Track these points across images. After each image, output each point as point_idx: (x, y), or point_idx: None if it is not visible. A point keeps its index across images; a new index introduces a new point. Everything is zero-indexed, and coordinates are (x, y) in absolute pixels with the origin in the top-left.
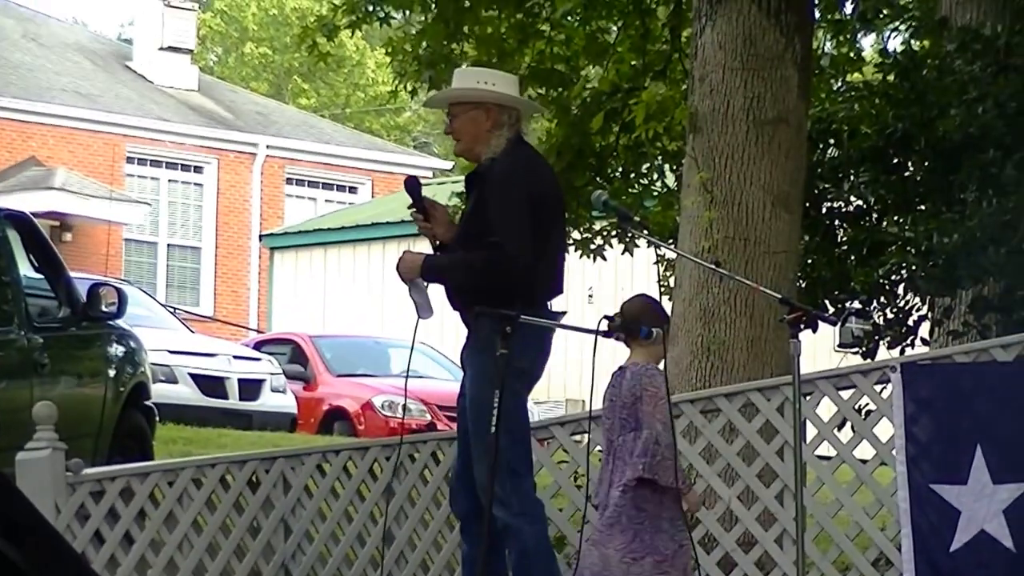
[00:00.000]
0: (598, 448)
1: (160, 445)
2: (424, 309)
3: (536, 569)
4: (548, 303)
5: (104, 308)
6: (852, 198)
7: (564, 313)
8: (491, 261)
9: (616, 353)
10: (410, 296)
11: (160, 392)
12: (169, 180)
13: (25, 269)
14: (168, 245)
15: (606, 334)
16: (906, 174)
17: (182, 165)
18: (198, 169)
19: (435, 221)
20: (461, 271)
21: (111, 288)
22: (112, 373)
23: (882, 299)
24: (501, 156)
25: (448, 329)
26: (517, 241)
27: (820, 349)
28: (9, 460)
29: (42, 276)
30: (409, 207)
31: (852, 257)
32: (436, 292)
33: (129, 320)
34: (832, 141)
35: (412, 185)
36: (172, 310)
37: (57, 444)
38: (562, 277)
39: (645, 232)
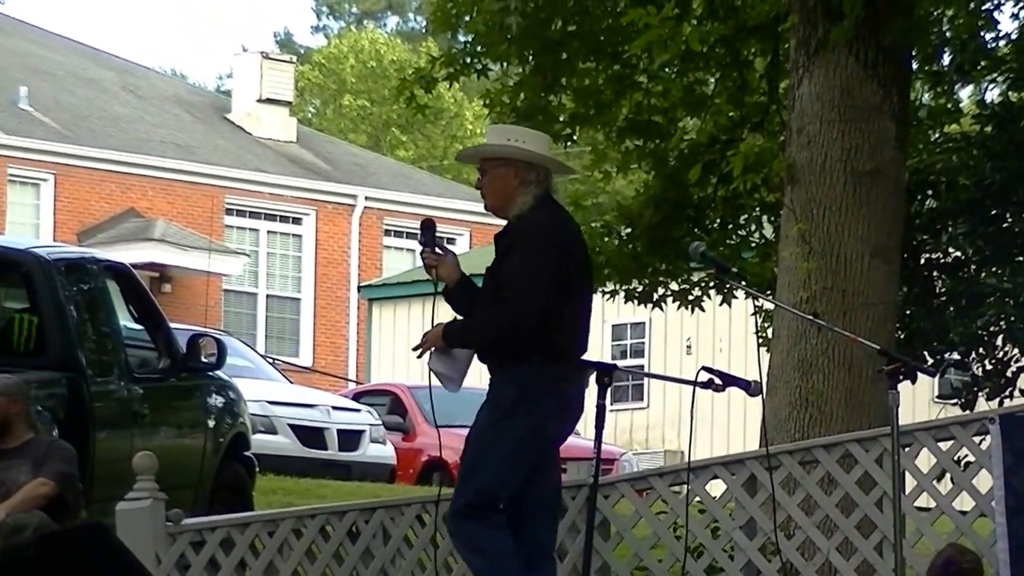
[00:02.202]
0: (697, 499)
1: (260, 496)
2: (448, 381)
3: None
4: (572, 361)
5: (204, 359)
6: (950, 249)
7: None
8: (500, 320)
9: (714, 404)
10: (430, 368)
11: (260, 443)
12: (268, 231)
13: (125, 320)
14: (267, 296)
15: (704, 385)
16: (1004, 225)
17: (281, 216)
18: (296, 220)
19: (442, 262)
20: (476, 332)
21: (210, 339)
22: (211, 424)
23: (980, 351)
24: (527, 214)
25: None
26: (528, 299)
27: (919, 401)
28: (110, 511)
29: (142, 327)
30: (421, 242)
31: (950, 308)
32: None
33: (228, 371)
34: (930, 192)
35: (428, 226)
36: (271, 361)
37: (157, 494)
38: (587, 336)
39: (743, 283)
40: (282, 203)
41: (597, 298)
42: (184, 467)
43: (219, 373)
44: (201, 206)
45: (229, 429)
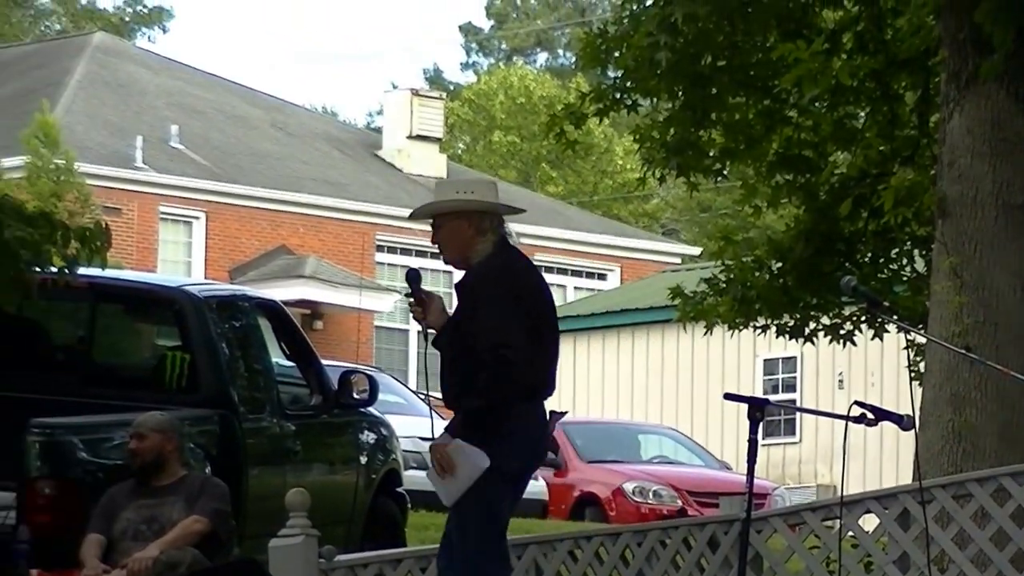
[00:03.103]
0: (850, 533)
1: (412, 532)
2: (446, 496)
3: None
4: (541, 398)
5: (355, 395)
6: None
7: (565, 413)
8: (495, 374)
9: (867, 438)
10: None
11: (412, 479)
12: (418, 268)
13: (276, 357)
14: (418, 332)
15: (856, 420)
16: None
17: (431, 253)
18: None
19: (429, 311)
20: (482, 401)
21: (362, 375)
22: (364, 460)
23: None
24: (487, 260)
25: (698, 415)
26: (511, 343)
27: None
28: (262, 547)
29: (293, 364)
30: (406, 295)
31: None
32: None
33: (380, 407)
34: None
35: (413, 277)
36: (423, 397)
37: (310, 531)
38: (555, 376)
39: (895, 317)
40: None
41: (748, 332)
42: (337, 503)
43: (371, 409)
44: (352, 243)
45: (381, 465)
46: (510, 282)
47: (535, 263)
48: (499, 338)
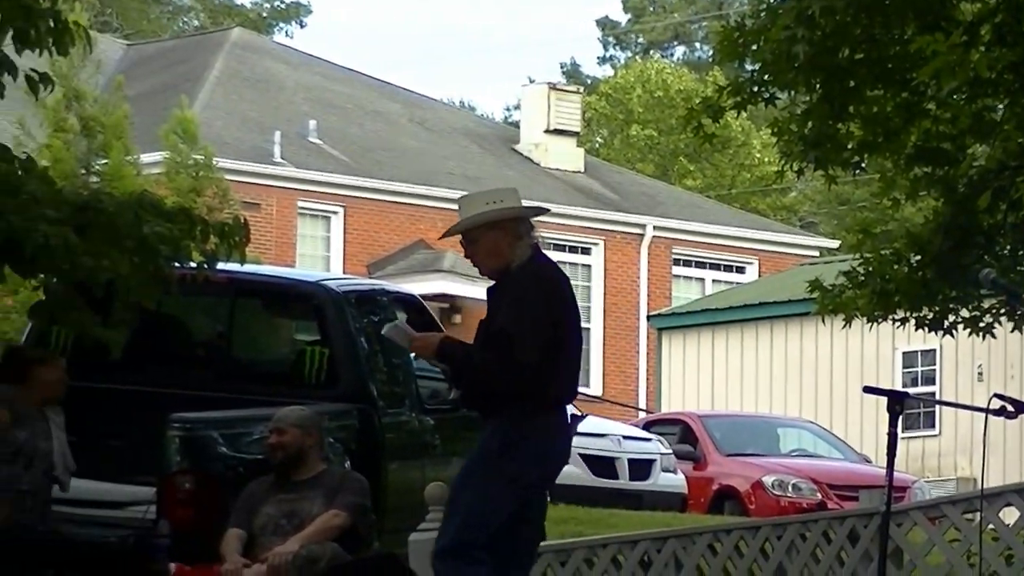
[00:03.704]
0: (990, 527)
1: (552, 525)
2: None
3: None
4: (564, 406)
5: None
6: None
7: (585, 416)
8: (501, 367)
9: (1007, 431)
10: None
11: None
12: (558, 262)
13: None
14: None
15: (996, 412)
16: None
17: (569, 246)
18: (585, 250)
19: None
20: (472, 370)
21: None
22: None
23: None
24: (525, 266)
25: (837, 408)
26: (525, 352)
27: None
28: (402, 541)
29: None
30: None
31: None
32: None
33: None
34: None
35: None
36: None
37: None
38: (578, 380)
39: None
40: (571, 233)
41: (887, 325)
42: None
43: None
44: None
45: None
46: (545, 290)
47: (674, 257)
48: (517, 331)
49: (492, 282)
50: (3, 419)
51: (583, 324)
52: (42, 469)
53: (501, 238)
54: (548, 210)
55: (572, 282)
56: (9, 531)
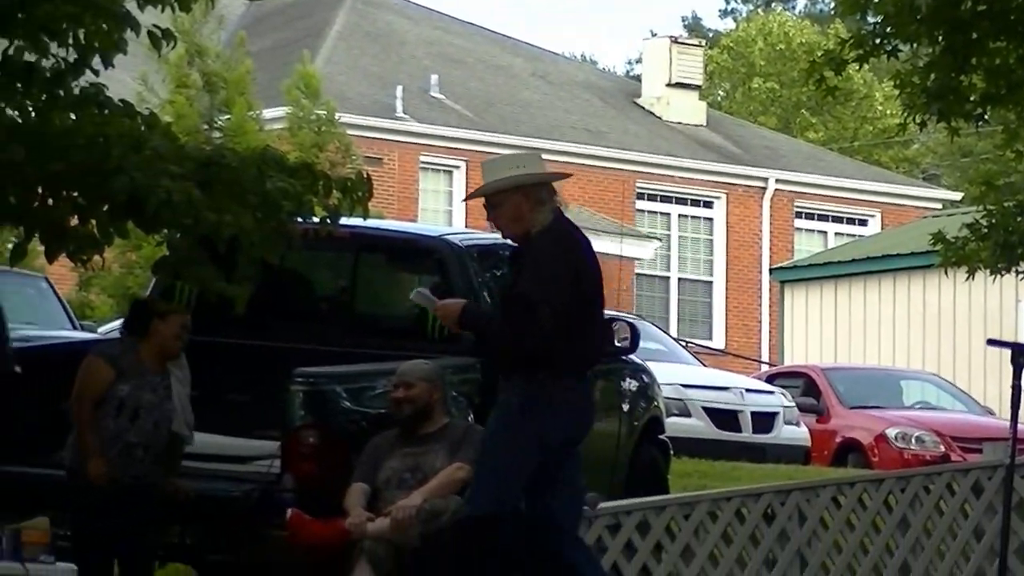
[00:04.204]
0: None
1: (675, 479)
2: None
3: None
4: (587, 369)
5: (617, 343)
6: None
7: None
8: (517, 329)
9: None
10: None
11: (674, 426)
12: (679, 215)
13: None
14: (679, 279)
15: None
16: None
17: (692, 200)
18: (707, 204)
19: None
20: (491, 332)
21: (624, 323)
22: (626, 408)
23: None
24: (547, 231)
25: (960, 360)
26: (549, 318)
27: None
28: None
29: None
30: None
31: None
32: None
33: (642, 354)
34: None
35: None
36: (684, 344)
37: None
38: (602, 342)
39: None
40: (693, 187)
41: (1010, 277)
42: (599, 451)
43: (633, 357)
44: (612, 191)
45: (644, 413)
46: (566, 255)
47: (796, 210)
48: (536, 295)
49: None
50: (104, 375)
51: (706, 277)
52: (152, 421)
53: (523, 203)
54: (570, 175)
55: (694, 235)
56: (134, 485)
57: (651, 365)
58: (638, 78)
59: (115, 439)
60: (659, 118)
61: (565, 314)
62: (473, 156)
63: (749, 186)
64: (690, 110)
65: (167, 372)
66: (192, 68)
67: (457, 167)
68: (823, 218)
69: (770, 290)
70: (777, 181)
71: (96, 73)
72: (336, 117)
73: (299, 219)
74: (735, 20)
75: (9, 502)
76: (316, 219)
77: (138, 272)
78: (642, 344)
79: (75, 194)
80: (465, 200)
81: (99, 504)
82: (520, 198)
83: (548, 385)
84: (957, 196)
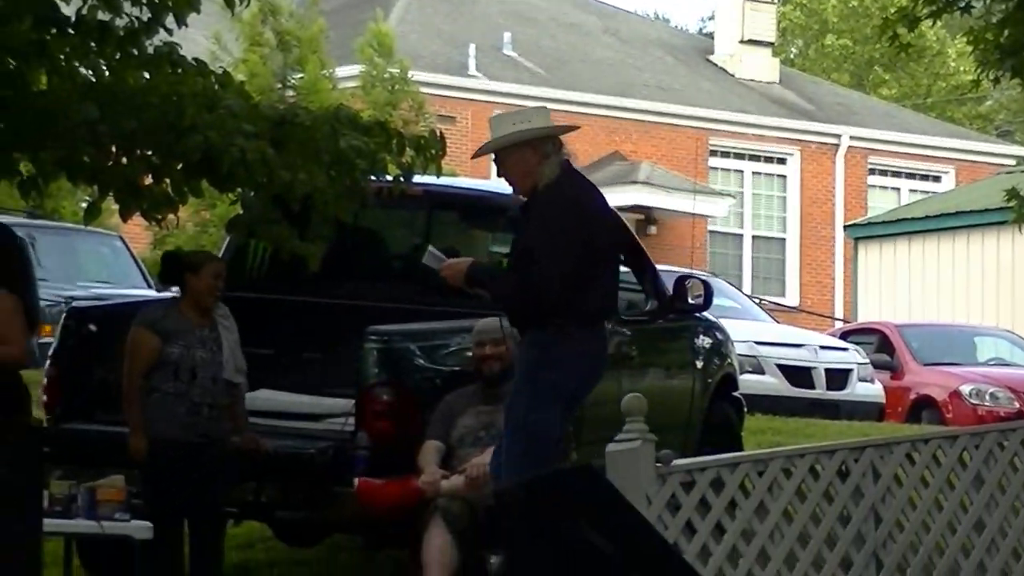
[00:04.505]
0: None
1: (749, 435)
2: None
3: None
4: (600, 321)
5: (690, 300)
6: None
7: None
8: (523, 286)
9: None
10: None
11: (748, 383)
12: (753, 172)
13: None
14: (753, 237)
15: None
16: None
17: (765, 157)
18: (781, 161)
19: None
20: (498, 290)
21: (697, 281)
22: (700, 365)
23: None
24: (554, 185)
25: None
26: (551, 270)
27: None
28: (599, 452)
29: (628, 270)
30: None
31: None
32: None
33: (715, 312)
34: None
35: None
36: (758, 301)
37: (647, 436)
38: (616, 295)
39: None
40: (766, 144)
41: None
42: (673, 408)
43: (706, 314)
44: (685, 148)
45: (717, 370)
46: (575, 211)
47: (869, 166)
48: (544, 270)
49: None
50: (151, 344)
51: (779, 234)
52: (210, 377)
53: (530, 157)
54: (577, 127)
55: (768, 193)
56: (203, 444)
57: (725, 322)
58: (710, 35)
59: (180, 400)
60: (731, 75)
61: (573, 267)
62: None
63: (822, 143)
64: (763, 67)
65: (213, 323)
66: (265, 26)
67: None
68: (896, 175)
69: (844, 247)
70: (851, 138)
71: (169, 32)
72: (409, 75)
73: (372, 177)
74: None
75: (84, 460)
76: (389, 177)
77: (212, 231)
78: (715, 301)
79: (149, 153)
80: (473, 157)
81: (170, 464)
82: (527, 152)
83: (560, 336)
84: None
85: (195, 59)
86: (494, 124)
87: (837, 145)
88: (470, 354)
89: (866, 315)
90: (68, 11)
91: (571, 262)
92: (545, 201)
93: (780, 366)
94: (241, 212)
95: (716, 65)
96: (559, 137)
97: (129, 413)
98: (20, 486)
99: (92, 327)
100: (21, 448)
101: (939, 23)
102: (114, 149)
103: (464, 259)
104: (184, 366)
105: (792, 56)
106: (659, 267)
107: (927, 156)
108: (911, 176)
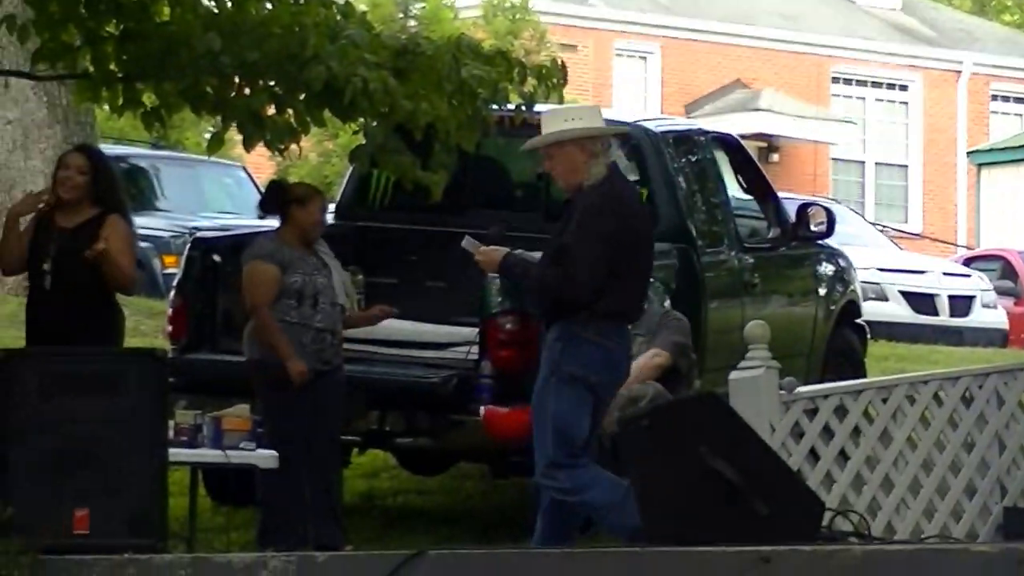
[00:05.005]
0: None
1: (872, 362)
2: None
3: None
4: (626, 320)
5: (813, 228)
6: None
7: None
8: (556, 284)
9: None
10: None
11: (871, 310)
12: (875, 99)
13: (734, 191)
14: (875, 164)
15: None
16: None
17: (887, 84)
18: (903, 87)
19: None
20: (531, 284)
21: (819, 208)
22: (822, 292)
23: None
24: (598, 185)
25: None
26: (585, 272)
27: None
28: (722, 380)
29: (750, 197)
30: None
31: None
32: None
33: (838, 239)
34: None
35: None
36: (881, 228)
37: (770, 363)
38: (644, 297)
39: None
40: (888, 70)
41: None
42: (796, 336)
43: (829, 241)
44: (807, 75)
45: (840, 297)
46: (613, 209)
47: (992, 93)
48: (578, 268)
49: None
50: (271, 274)
51: (901, 161)
52: (329, 303)
53: (577, 155)
54: (626, 132)
55: (890, 119)
56: (331, 370)
57: (847, 249)
58: None
59: (304, 329)
60: (853, 1)
61: (605, 268)
62: (667, 42)
63: (944, 69)
64: None
65: (315, 252)
66: None
67: (651, 53)
68: (1019, 100)
69: (967, 173)
70: (973, 64)
71: None
72: (530, 4)
73: (494, 107)
74: None
75: (209, 390)
76: (511, 106)
77: (335, 161)
78: (838, 228)
79: (271, 83)
80: (523, 150)
81: (295, 392)
82: (575, 150)
83: (584, 328)
84: None
85: None
86: (545, 120)
87: (959, 71)
88: None
89: (989, 242)
90: None
91: (606, 262)
92: (588, 200)
93: (903, 293)
94: (364, 142)
95: None
96: (608, 138)
97: (276, 343)
98: (145, 417)
99: (216, 257)
100: (146, 378)
101: None
102: (237, 79)
103: (500, 248)
104: (307, 293)
105: None
106: (781, 195)
107: None
108: None
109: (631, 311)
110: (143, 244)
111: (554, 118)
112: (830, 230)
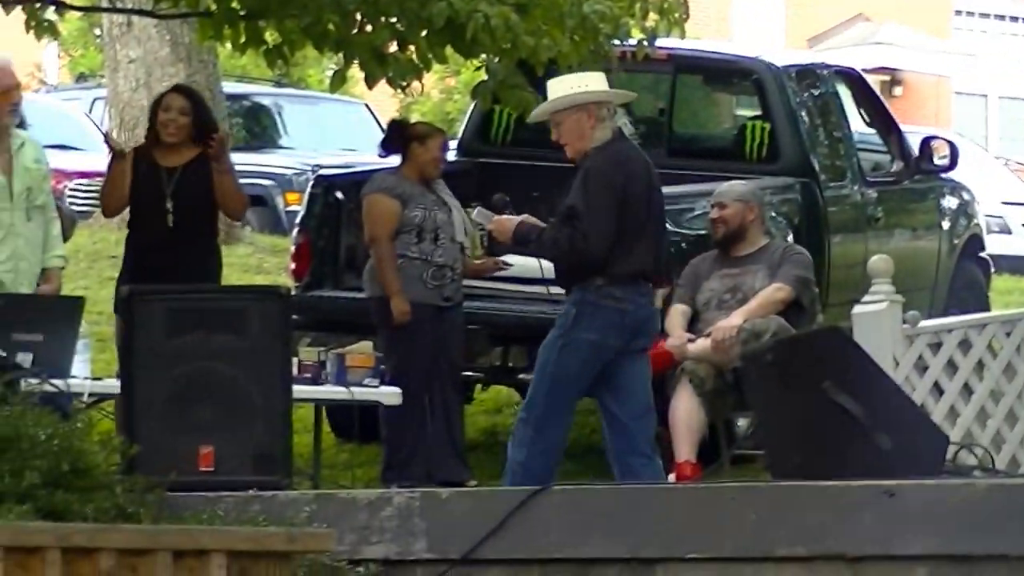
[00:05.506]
0: None
1: (996, 296)
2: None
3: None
4: (645, 280)
5: (936, 161)
6: None
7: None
8: (569, 245)
9: None
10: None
11: (994, 243)
12: (998, 32)
13: (857, 125)
14: (998, 97)
15: None
16: None
17: (1011, 16)
18: None
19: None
20: (544, 249)
21: (943, 141)
22: (946, 226)
23: None
24: (603, 147)
25: None
26: (597, 233)
27: None
28: (845, 314)
29: (873, 131)
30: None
31: None
32: None
33: (961, 173)
34: None
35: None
36: (1004, 162)
37: (894, 297)
38: (661, 256)
39: None
40: (1010, 3)
41: None
42: (919, 269)
43: (952, 175)
44: (930, 8)
45: (964, 231)
46: (621, 174)
47: None
48: (589, 226)
49: None
50: (392, 208)
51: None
52: (449, 237)
53: (584, 120)
54: (634, 96)
55: (1013, 54)
56: (452, 306)
57: (970, 183)
58: None
59: (425, 264)
60: None
61: (616, 226)
62: None
63: None
64: None
65: (435, 190)
66: None
67: None
68: None
69: None
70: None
71: None
72: None
73: (616, 41)
74: None
75: (333, 327)
76: (633, 41)
77: (457, 97)
78: (961, 162)
79: (394, 20)
80: (529, 121)
81: (418, 327)
82: (582, 116)
83: (600, 293)
84: None
85: None
86: (552, 88)
87: None
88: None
89: None
90: None
91: (614, 221)
92: (592, 162)
93: None
94: (486, 78)
95: None
96: (614, 105)
97: (387, 278)
98: (270, 354)
99: (339, 195)
100: (270, 316)
101: None
102: (359, 17)
103: (513, 217)
104: (428, 228)
105: None
106: (904, 128)
107: None
108: None
109: (648, 270)
110: (266, 182)
111: (561, 86)
112: (953, 163)
